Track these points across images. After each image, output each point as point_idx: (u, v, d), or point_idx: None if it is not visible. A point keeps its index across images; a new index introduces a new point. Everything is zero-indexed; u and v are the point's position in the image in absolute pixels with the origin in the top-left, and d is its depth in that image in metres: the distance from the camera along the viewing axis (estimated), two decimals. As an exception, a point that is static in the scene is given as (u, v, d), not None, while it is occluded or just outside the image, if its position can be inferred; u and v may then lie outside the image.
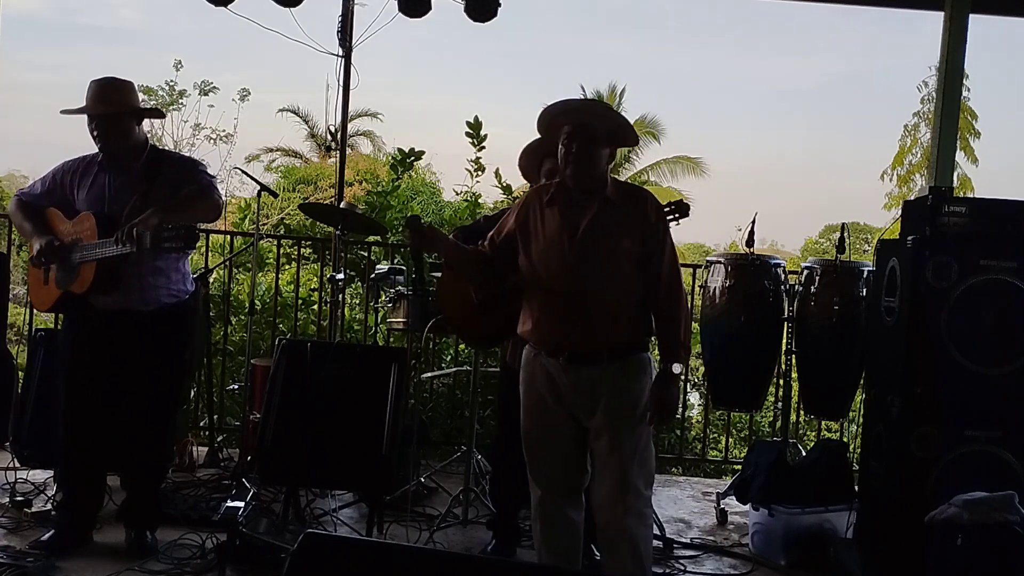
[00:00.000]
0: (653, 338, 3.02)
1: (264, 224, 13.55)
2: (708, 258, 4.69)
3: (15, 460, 4.19)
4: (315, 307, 6.58)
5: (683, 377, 3.01)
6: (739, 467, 4.77)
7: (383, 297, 4.85)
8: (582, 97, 3.15)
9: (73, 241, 3.45)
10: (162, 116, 4.34)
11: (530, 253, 2.99)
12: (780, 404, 4.99)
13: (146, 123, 3.72)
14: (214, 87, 14.19)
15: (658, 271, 2.93)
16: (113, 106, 3.43)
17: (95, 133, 3.45)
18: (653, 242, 2.93)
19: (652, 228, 2.94)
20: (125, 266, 3.38)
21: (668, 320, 2.95)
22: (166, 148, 3.63)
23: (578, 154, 2.88)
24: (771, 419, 6.46)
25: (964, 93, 17.86)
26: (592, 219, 2.90)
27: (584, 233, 2.89)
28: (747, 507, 4.25)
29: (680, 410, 6.73)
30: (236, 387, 5.30)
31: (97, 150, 3.52)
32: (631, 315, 2.93)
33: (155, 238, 3.15)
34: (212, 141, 14.56)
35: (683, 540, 4.23)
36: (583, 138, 2.89)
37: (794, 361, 4.44)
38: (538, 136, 3.79)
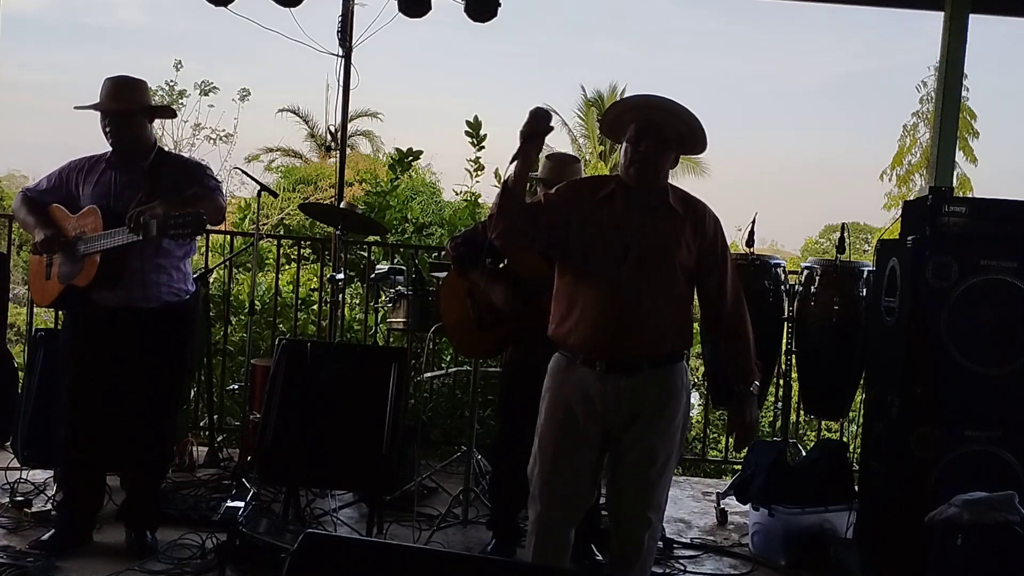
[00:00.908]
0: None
1: (264, 224, 13.55)
2: (708, 258, 4.68)
3: (15, 460, 4.19)
4: (315, 307, 6.58)
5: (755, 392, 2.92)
6: (739, 467, 4.78)
7: (383, 297, 4.86)
8: (661, 95, 2.97)
9: (78, 235, 3.46)
10: (173, 115, 4.36)
11: (578, 248, 2.78)
12: (780, 404, 4.99)
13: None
14: (214, 87, 14.18)
15: (722, 288, 2.82)
16: (126, 103, 3.47)
17: (107, 129, 3.49)
18: (712, 258, 2.81)
19: (711, 243, 2.81)
20: (128, 259, 3.40)
21: (738, 339, 2.85)
22: (170, 151, 3.65)
23: (645, 153, 2.72)
24: (771, 419, 6.46)
25: (964, 93, 17.86)
26: (653, 227, 2.75)
27: (644, 240, 2.74)
28: (747, 507, 4.25)
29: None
30: (236, 387, 5.30)
31: (109, 146, 3.55)
32: (675, 326, 2.81)
33: (162, 226, 3.17)
34: (212, 141, 14.57)
35: (683, 540, 4.23)
36: (652, 137, 2.72)
37: (794, 361, 4.44)
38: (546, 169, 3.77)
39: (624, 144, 2.78)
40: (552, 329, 2.88)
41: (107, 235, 3.34)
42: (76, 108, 3.56)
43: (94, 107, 3.49)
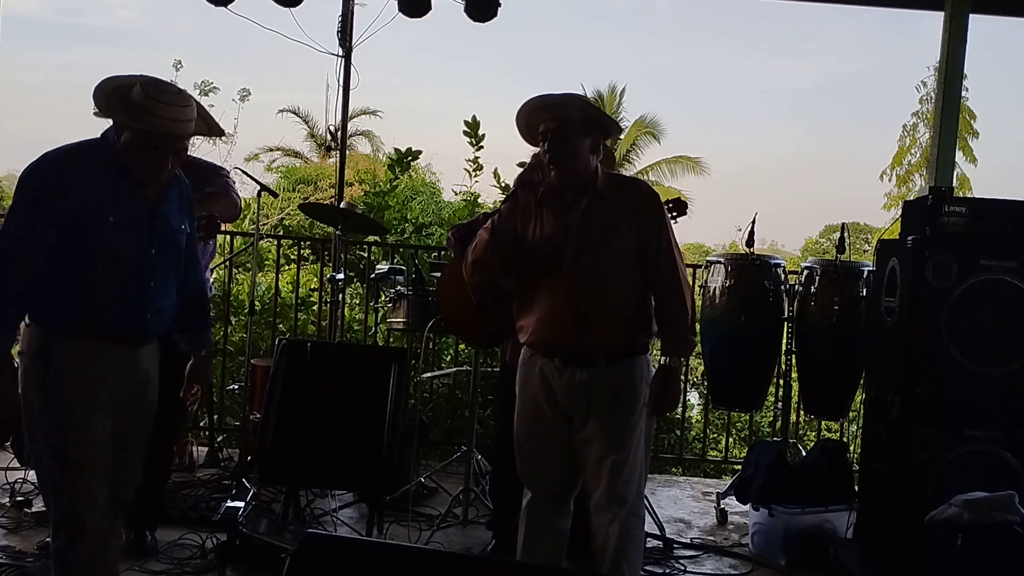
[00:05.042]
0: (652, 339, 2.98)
1: (264, 224, 13.55)
2: (708, 258, 4.69)
3: (15, 460, 4.19)
4: (315, 307, 6.58)
5: (683, 373, 2.92)
6: (739, 467, 4.78)
7: (383, 297, 4.86)
8: (549, 92, 3.04)
9: None
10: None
11: (524, 253, 2.89)
12: (780, 404, 4.99)
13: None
14: (214, 87, 14.14)
15: (655, 261, 2.82)
16: None
17: None
18: (648, 232, 2.82)
19: (647, 218, 2.83)
20: None
21: (666, 311, 2.85)
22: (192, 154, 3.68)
23: (555, 152, 2.78)
24: (771, 419, 6.46)
25: (963, 93, 17.86)
26: (583, 216, 2.82)
27: (577, 232, 2.81)
28: (747, 507, 4.25)
29: (680, 410, 6.75)
30: (236, 387, 5.30)
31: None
32: (629, 315, 2.84)
33: None
34: (212, 141, 14.54)
35: (683, 540, 4.24)
36: (557, 134, 2.78)
37: (794, 361, 4.44)
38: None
39: (540, 146, 2.85)
40: (517, 331, 2.98)
41: None
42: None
43: None
